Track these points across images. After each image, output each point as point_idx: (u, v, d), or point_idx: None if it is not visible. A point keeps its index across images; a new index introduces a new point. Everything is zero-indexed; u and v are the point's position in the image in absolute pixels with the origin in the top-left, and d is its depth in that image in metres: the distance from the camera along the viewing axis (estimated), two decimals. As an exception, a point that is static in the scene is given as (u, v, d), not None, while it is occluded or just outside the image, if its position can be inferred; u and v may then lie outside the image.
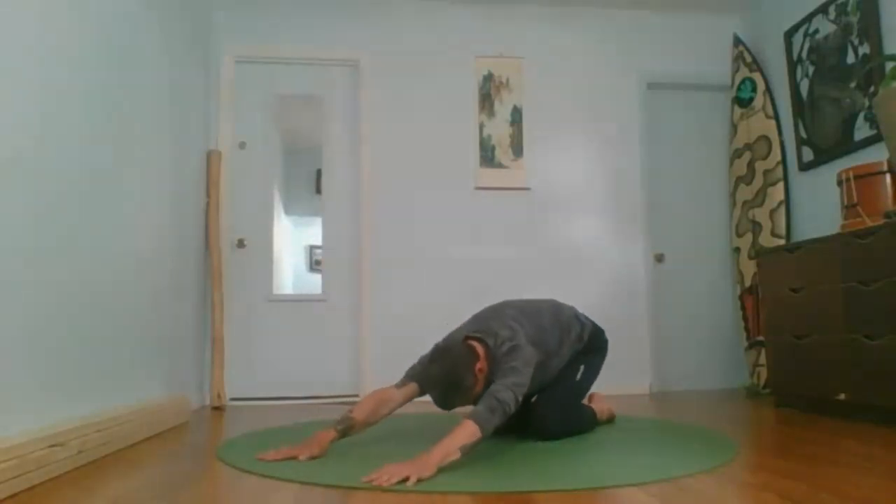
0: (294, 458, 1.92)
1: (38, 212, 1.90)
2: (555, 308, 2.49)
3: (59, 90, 2.04)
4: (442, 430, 1.91)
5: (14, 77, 1.79)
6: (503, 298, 4.04)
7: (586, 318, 2.56)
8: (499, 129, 4.24)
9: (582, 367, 2.42)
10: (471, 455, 1.80)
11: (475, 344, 2.13)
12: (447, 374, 1.99)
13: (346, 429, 2.05)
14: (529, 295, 4.12)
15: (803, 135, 3.85)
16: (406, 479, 1.59)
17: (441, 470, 1.69)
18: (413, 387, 2.18)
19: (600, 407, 2.60)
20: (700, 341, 4.33)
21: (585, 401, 2.59)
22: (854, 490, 1.49)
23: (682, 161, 4.47)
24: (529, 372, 2.03)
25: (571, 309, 2.56)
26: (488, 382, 2.05)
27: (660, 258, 4.35)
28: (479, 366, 2.05)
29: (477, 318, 2.36)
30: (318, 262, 4.50)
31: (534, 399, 2.34)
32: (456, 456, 1.74)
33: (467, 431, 1.77)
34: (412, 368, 2.24)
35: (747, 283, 4.01)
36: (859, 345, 2.67)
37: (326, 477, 1.70)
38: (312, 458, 1.92)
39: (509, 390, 1.91)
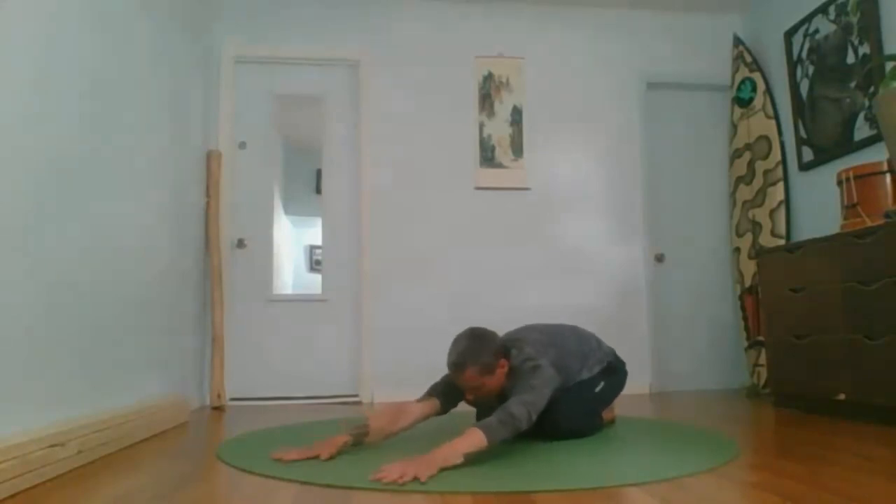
0: (316, 457, 1.93)
1: (37, 211, 1.90)
2: (578, 334, 2.52)
3: (57, 89, 2.04)
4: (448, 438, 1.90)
5: (11, 75, 1.79)
6: (503, 298, 4.09)
7: (607, 346, 2.60)
8: (499, 129, 4.24)
9: (602, 384, 2.44)
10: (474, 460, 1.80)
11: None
12: (474, 332, 2.10)
13: (361, 435, 2.05)
14: (530, 295, 4.13)
15: (803, 135, 3.85)
16: (414, 480, 1.60)
17: (442, 471, 1.69)
18: (434, 402, 2.20)
19: (606, 416, 2.61)
20: (700, 341, 4.33)
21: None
22: (854, 490, 1.49)
23: (682, 161, 4.47)
24: (548, 394, 2.06)
25: (593, 335, 2.59)
26: (502, 390, 2.10)
27: (660, 258, 4.35)
28: (502, 362, 2.12)
29: (505, 336, 2.38)
30: (318, 262, 4.50)
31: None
32: (458, 460, 1.75)
33: (473, 439, 1.79)
34: (434, 385, 2.26)
35: (747, 283, 4.01)
36: (859, 345, 2.67)
37: (326, 477, 1.70)
38: (331, 457, 1.93)
39: (524, 407, 1.93)
